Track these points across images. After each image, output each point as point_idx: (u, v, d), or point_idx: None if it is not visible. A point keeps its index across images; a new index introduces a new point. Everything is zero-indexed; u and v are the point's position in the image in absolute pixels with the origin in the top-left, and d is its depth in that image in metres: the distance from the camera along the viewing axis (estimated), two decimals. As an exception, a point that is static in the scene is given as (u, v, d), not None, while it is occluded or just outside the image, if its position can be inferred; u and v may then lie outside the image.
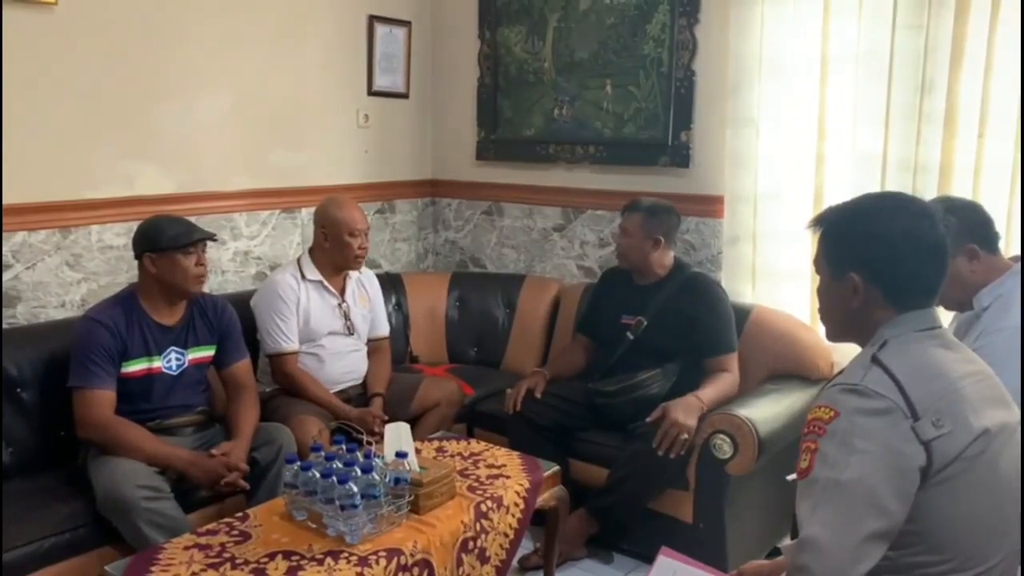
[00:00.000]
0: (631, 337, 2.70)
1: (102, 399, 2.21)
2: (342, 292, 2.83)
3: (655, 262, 2.72)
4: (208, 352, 2.45)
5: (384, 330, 3.00)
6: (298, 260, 2.81)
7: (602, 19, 3.25)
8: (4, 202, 2.45)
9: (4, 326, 2.51)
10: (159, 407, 2.33)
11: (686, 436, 2.40)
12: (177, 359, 2.37)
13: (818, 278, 1.41)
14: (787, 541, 2.25)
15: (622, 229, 2.75)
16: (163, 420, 2.33)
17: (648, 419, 2.48)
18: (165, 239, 2.27)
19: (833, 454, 1.21)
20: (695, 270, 2.82)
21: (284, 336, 2.68)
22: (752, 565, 1.55)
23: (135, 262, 2.41)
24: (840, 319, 1.38)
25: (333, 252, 2.75)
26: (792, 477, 1.98)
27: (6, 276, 2.53)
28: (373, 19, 3.49)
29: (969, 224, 1.83)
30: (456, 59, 3.74)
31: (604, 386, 2.68)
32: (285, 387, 2.71)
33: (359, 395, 2.82)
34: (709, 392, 2.54)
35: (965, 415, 1.22)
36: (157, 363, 2.33)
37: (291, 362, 2.70)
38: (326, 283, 2.78)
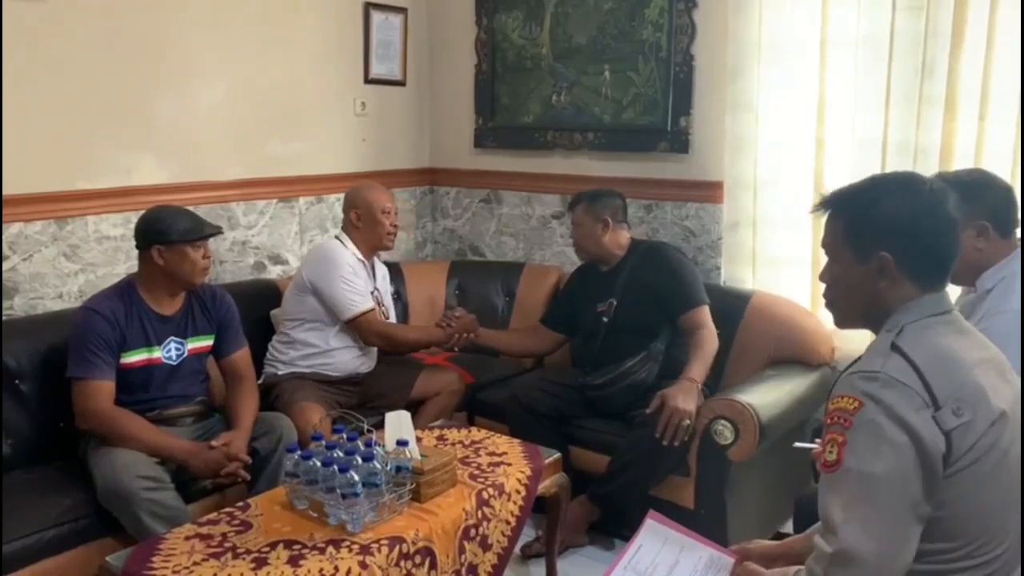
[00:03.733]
0: (606, 320, 2.73)
1: (101, 389, 2.20)
2: (373, 276, 2.87)
3: (611, 244, 2.77)
4: (207, 342, 2.44)
5: (392, 319, 3.02)
6: (338, 238, 2.84)
7: (600, 4, 3.23)
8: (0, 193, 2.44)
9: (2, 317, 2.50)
10: (158, 397, 2.32)
11: (688, 421, 2.40)
12: (177, 349, 2.36)
13: (823, 263, 1.39)
14: (789, 525, 2.25)
15: (572, 224, 2.82)
16: (163, 410, 2.33)
17: (647, 410, 2.47)
18: (175, 232, 2.26)
19: (863, 446, 1.18)
20: (650, 241, 2.89)
21: (360, 295, 2.70)
22: (759, 545, 1.54)
23: (132, 252, 2.40)
24: (859, 303, 1.34)
25: (367, 232, 2.79)
26: (800, 445, 1.98)
27: (3, 268, 2.52)
28: (369, 6, 3.47)
29: (990, 202, 1.80)
30: (453, 46, 3.71)
31: (593, 379, 2.69)
32: (383, 346, 2.82)
33: (369, 381, 2.84)
34: (697, 367, 2.54)
35: (984, 401, 1.21)
36: (157, 353, 2.32)
37: (376, 318, 2.73)
38: (366, 264, 2.83)
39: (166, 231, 2.27)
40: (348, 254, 2.75)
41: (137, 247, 2.33)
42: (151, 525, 2.02)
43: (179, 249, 2.27)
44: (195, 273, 2.32)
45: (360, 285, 2.72)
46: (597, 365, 2.71)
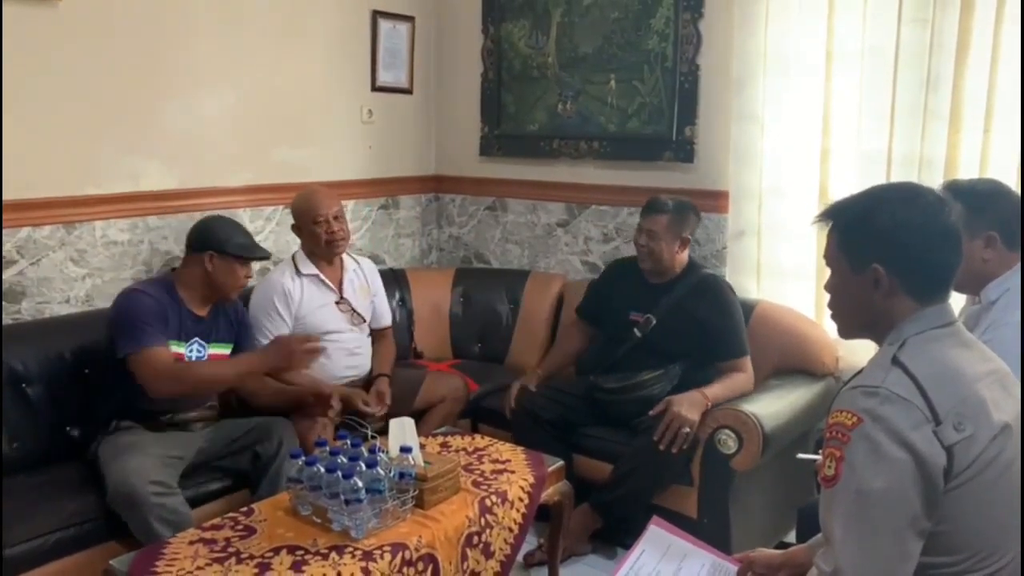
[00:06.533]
0: (639, 335, 2.68)
1: (161, 354, 2.24)
2: (340, 285, 2.83)
3: (677, 262, 2.69)
4: (225, 351, 2.48)
5: (387, 320, 3.02)
6: (293, 256, 2.82)
7: (606, 14, 3.24)
8: (8, 198, 2.45)
9: (9, 321, 2.51)
10: (169, 399, 2.34)
11: (688, 430, 2.40)
12: (198, 350, 2.39)
13: (827, 274, 1.38)
14: (792, 535, 2.25)
15: (647, 231, 2.66)
16: (175, 414, 2.35)
17: (651, 412, 2.48)
18: (233, 246, 2.36)
19: (861, 462, 1.18)
20: (708, 271, 2.78)
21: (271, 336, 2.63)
22: (763, 554, 1.54)
23: (139, 257, 2.44)
24: (858, 314, 1.34)
25: (309, 243, 2.76)
26: (803, 456, 1.98)
27: (11, 272, 2.54)
28: (376, 14, 3.49)
29: (1000, 213, 1.79)
30: (460, 54, 3.73)
31: (605, 383, 2.67)
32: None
33: (364, 386, 2.83)
34: (716, 389, 2.52)
35: (986, 415, 1.21)
36: (181, 349, 2.35)
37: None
38: (322, 276, 2.78)
39: (225, 241, 2.36)
40: (287, 286, 2.69)
41: (189, 247, 2.40)
42: (159, 529, 2.03)
43: (230, 261, 2.36)
44: (235, 288, 2.42)
45: (279, 325, 2.64)
46: (611, 370, 2.70)
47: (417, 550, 1.80)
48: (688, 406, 2.43)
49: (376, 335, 2.96)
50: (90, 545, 2.08)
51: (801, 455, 2.06)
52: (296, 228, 2.80)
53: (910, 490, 1.16)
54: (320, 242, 2.73)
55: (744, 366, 2.63)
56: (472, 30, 3.66)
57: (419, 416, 2.71)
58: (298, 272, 2.75)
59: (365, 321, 2.86)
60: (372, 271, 3.01)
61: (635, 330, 2.69)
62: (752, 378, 2.63)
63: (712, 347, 2.63)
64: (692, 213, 2.71)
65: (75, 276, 2.69)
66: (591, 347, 2.94)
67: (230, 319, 2.50)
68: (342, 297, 2.82)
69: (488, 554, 1.99)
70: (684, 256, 2.71)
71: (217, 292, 2.40)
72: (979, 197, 1.78)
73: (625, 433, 2.61)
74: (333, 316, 2.78)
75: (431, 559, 1.83)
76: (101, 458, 2.19)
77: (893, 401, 1.19)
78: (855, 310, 1.35)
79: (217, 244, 2.35)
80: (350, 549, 1.75)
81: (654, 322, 2.67)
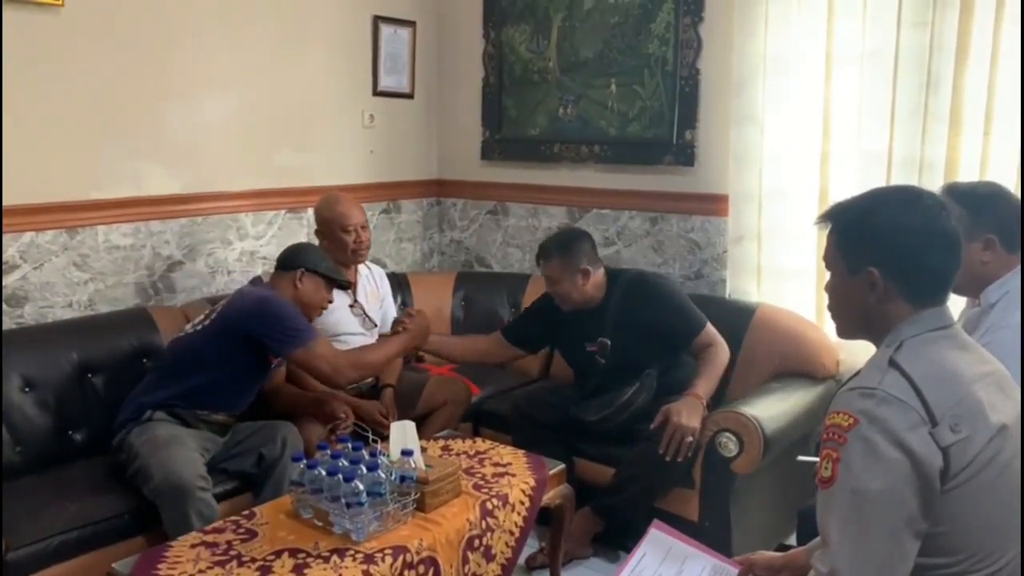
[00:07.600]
0: (603, 361, 2.66)
1: (327, 344, 2.35)
2: (353, 289, 2.84)
3: (592, 289, 2.64)
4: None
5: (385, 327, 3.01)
6: None
7: (606, 18, 3.25)
8: (11, 203, 2.47)
9: (12, 326, 2.53)
10: (237, 399, 2.40)
11: (691, 438, 2.40)
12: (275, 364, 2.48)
13: (827, 275, 1.39)
14: (793, 538, 2.25)
15: (547, 279, 2.67)
16: (212, 411, 2.37)
17: (652, 425, 2.46)
18: (323, 267, 2.50)
19: (857, 463, 1.18)
20: (628, 271, 2.74)
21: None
22: (763, 556, 1.54)
23: (142, 262, 2.44)
24: (855, 315, 1.34)
25: (333, 250, 2.76)
26: (804, 458, 1.98)
27: (14, 277, 2.55)
28: (378, 19, 3.50)
29: (999, 216, 1.79)
30: (461, 59, 3.74)
31: (588, 414, 2.63)
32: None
33: (371, 388, 2.84)
34: (703, 384, 2.51)
35: (983, 417, 1.21)
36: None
37: None
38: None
39: (316, 262, 2.48)
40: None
41: (281, 266, 2.47)
42: (195, 523, 2.05)
43: (318, 281, 2.47)
44: (318, 306, 2.50)
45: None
46: (588, 398, 2.67)
47: (418, 553, 1.81)
48: (687, 414, 2.42)
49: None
50: (93, 548, 2.08)
51: (802, 458, 2.06)
52: (320, 233, 2.81)
53: (906, 491, 1.16)
54: (347, 250, 2.76)
55: (711, 338, 2.61)
56: (473, 35, 3.67)
57: (421, 419, 2.71)
58: None
59: (376, 326, 2.88)
60: (382, 276, 3.03)
61: (597, 358, 2.67)
62: (724, 343, 2.61)
63: (673, 339, 2.63)
64: (580, 242, 2.65)
65: (78, 281, 2.70)
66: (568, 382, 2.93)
67: None
68: (355, 300, 2.83)
69: (489, 557, 2.00)
70: (597, 278, 2.65)
71: (301, 310, 2.43)
72: (978, 200, 1.79)
73: (625, 438, 2.61)
74: (347, 319, 2.79)
75: (432, 562, 1.84)
76: (135, 447, 2.20)
77: (889, 402, 1.19)
78: (852, 312, 1.35)
79: (310, 264, 2.46)
80: (351, 552, 1.76)
81: (610, 344, 2.64)
